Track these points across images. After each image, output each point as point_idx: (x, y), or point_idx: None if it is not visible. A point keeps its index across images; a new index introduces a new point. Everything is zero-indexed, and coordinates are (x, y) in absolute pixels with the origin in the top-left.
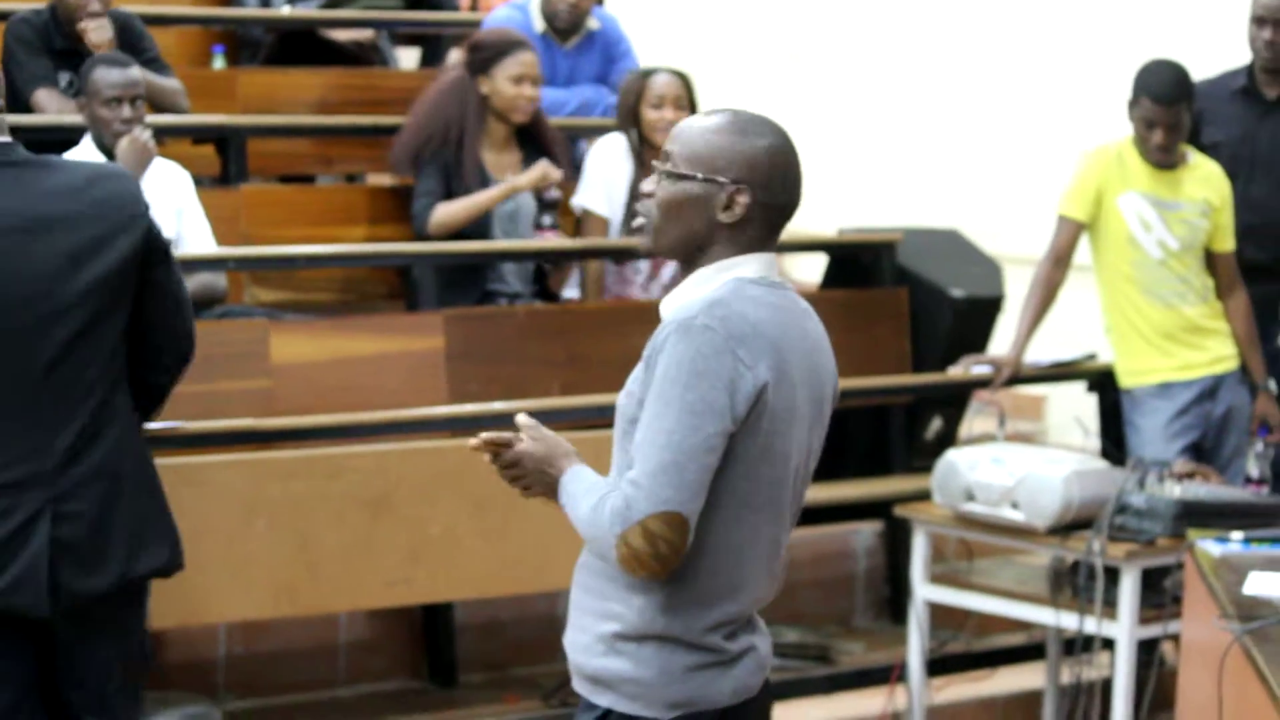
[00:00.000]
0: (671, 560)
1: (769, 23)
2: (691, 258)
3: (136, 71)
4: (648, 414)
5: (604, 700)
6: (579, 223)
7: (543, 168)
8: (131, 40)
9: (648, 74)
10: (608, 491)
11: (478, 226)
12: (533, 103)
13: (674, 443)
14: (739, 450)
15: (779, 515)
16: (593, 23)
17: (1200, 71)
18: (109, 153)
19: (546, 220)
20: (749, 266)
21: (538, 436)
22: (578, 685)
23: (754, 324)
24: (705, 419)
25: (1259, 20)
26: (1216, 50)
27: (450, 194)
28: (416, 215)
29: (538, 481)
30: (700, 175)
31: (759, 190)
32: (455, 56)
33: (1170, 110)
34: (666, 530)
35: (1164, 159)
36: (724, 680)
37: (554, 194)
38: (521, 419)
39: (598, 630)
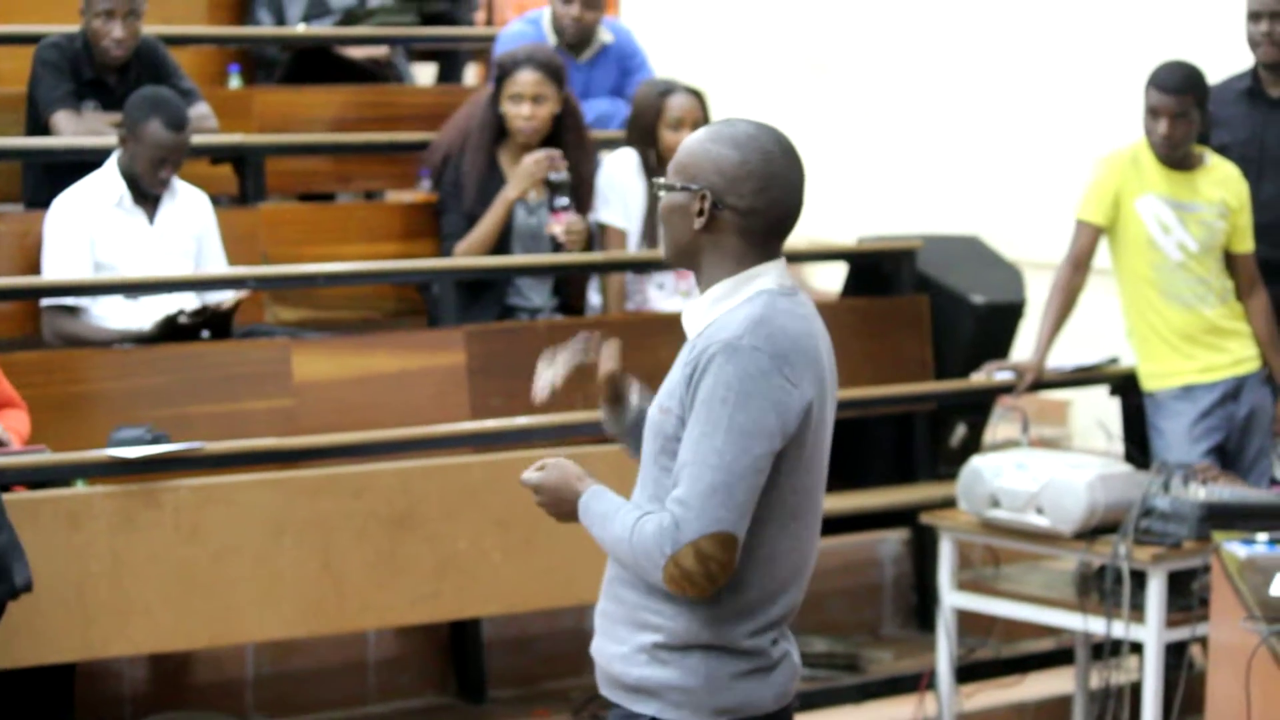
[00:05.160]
0: (720, 580)
1: (790, 33)
2: (693, 267)
3: (188, 133)
4: (693, 433)
5: (648, 709)
6: (595, 237)
7: (525, 169)
8: (157, 68)
9: (665, 93)
10: (644, 512)
11: (498, 243)
12: (530, 122)
13: (725, 464)
14: (787, 465)
15: (815, 520)
16: (606, 35)
17: (1217, 76)
18: (134, 181)
19: (560, 202)
20: (768, 277)
21: (548, 465)
22: (613, 694)
23: (794, 339)
24: (754, 440)
25: (1254, 16)
26: (1233, 56)
27: (469, 215)
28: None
29: (556, 509)
30: (679, 184)
31: (727, 195)
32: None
33: (1175, 99)
34: (718, 551)
35: (1171, 152)
36: (767, 687)
37: (560, 175)
38: (526, 476)
39: (637, 640)
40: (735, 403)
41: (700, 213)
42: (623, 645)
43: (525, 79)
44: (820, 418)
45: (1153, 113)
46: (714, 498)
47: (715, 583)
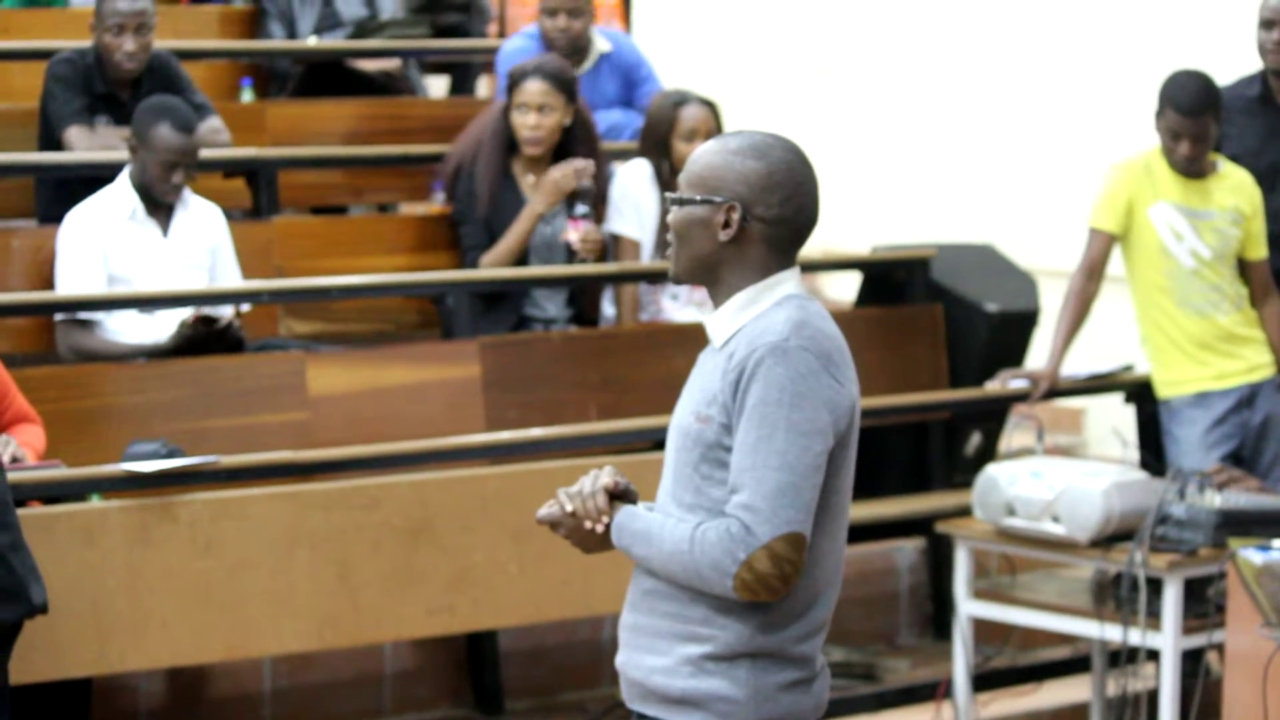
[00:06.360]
0: (792, 581)
1: (800, 38)
2: (710, 281)
3: (198, 136)
4: (749, 437)
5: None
6: (609, 248)
7: (553, 182)
8: (170, 82)
9: (679, 104)
10: (698, 522)
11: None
12: (535, 131)
13: (788, 464)
14: (833, 465)
15: (846, 520)
16: (602, 44)
17: (1226, 81)
18: (148, 195)
19: (580, 209)
20: (791, 284)
21: (568, 494)
22: (649, 708)
23: (833, 339)
24: (812, 439)
25: (1267, 23)
26: (1243, 61)
27: (486, 225)
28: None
29: (583, 538)
30: (699, 197)
31: (755, 206)
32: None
33: (1196, 121)
34: (791, 551)
35: (1192, 169)
36: (809, 698)
37: (585, 183)
38: (541, 514)
39: (682, 652)
40: (790, 403)
41: (726, 225)
42: (664, 657)
43: (531, 89)
44: (858, 418)
45: (1173, 135)
46: (782, 498)
47: (788, 585)
